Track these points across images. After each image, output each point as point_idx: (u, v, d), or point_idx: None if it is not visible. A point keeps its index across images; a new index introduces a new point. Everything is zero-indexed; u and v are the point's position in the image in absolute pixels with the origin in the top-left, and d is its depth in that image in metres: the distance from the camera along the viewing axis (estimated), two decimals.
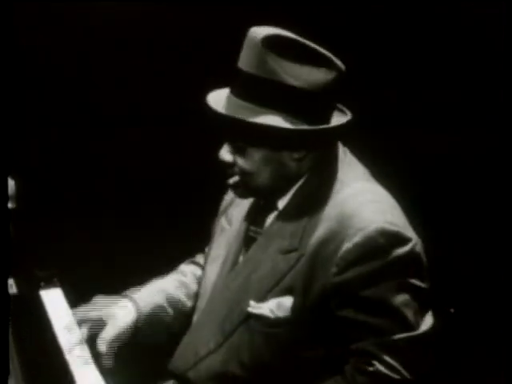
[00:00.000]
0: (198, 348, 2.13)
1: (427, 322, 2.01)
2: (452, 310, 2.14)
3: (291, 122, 1.98)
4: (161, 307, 2.25)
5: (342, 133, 2.07)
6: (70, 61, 3.48)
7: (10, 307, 1.80)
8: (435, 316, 2.06)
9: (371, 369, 1.95)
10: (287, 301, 2.01)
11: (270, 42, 1.97)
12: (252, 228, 2.17)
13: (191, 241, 2.48)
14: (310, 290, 1.99)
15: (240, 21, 2.13)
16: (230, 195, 2.34)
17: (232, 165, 2.07)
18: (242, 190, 2.11)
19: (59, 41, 3.46)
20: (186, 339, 2.21)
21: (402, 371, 1.95)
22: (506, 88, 3.07)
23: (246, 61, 2.00)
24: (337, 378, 2.00)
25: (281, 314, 2.01)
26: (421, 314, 2.00)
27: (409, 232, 1.99)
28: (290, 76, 1.97)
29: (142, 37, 3.51)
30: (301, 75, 1.97)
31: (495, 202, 3.36)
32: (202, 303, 2.23)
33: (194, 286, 2.35)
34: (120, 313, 2.18)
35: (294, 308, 2.01)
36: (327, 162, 2.08)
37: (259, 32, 1.99)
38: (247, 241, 2.17)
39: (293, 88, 1.97)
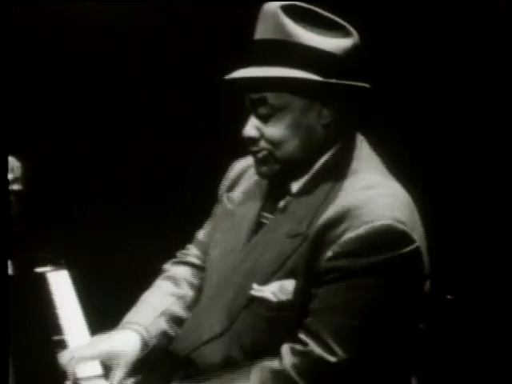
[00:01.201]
0: (202, 332, 2.10)
1: (403, 322, 1.93)
2: (449, 297, 2.10)
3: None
4: (164, 333, 2.20)
5: (356, 98, 2.02)
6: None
7: (10, 307, 1.81)
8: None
9: (303, 349, 1.90)
10: (289, 284, 1.98)
11: (287, 10, 1.98)
12: (264, 214, 2.14)
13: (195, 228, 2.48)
14: (311, 274, 1.95)
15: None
16: (229, 178, 2.32)
17: (258, 139, 2.03)
18: (269, 166, 2.04)
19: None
20: (189, 322, 2.19)
21: (338, 354, 1.87)
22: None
23: (263, 30, 2.00)
24: (267, 361, 1.94)
25: (283, 297, 1.98)
26: (400, 314, 1.92)
27: (414, 233, 1.92)
28: (309, 39, 1.96)
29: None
30: (318, 39, 1.97)
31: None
32: (207, 287, 2.22)
33: (190, 295, 2.30)
34: (128, 349, 2.11)
35: (296, 291, 1.97)
36: (344, 149, 2.05)
37: (275, 3, 2.00)
38: (258, 226, 2.13)
39: (313, 48, 1.96)
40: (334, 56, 1.97)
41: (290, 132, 1.99)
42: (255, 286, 2.01)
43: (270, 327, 2.00)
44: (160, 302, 2.24)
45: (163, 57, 3.55)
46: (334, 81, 1.96)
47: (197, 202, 2.38)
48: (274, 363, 1.94)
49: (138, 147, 3.60)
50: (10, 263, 2.18)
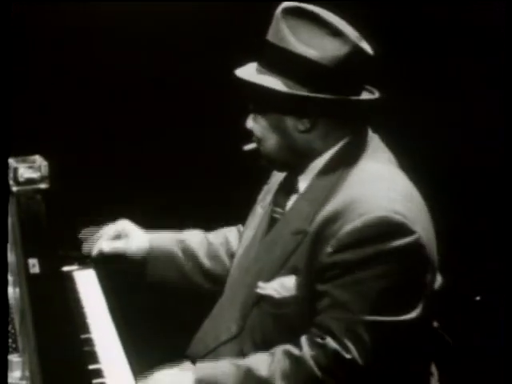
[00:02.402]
0: (219, 333, 2.15)
1: (410, 315, 1.94)
2: (478, 298, 2.09)
3: (291, 88, 2.01)
4: (171, 252, 2.37)
5: (346, 108, 2.04)
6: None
7: (8, 306, 1.82)
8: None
9: (321, 341, 1.93)
10: (289, 280, 2.02)
11: (287, 12, 2.03)
12: (275, 209, 2.18)
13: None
14: (311, 269, 2.00)
15: None
16: (266, 186, 2.35)
17: (253, 132, 2.12)
18: (260, 158, 2.13)
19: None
20: (206, 324, 2.25)
21: (352, 351, 1.90)
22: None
23: (269, 31, 2.07)
24: (288, 346, 1.98)
25: (286, 293, 2.02)
26: (404, 306, 1.94)
27: (415, 225, 1.94)
28: (300, 44, 2.00)
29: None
30: (311, 45, 2.00)
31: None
32: (225, 288, 2.27)
33: (220, 249, 2.41)
34: (134, 238, 2.37)
35: (299, 287, 2.02)
36: (348, 145, 2.07)
37: (283, 4, 2.06)
38: (271, 222, 2.18)
39: (298, 55, 2.00)
40: (318, 65, 1.99)
41: (267, 132, 2.07)
42: (260, 283, 2.07)
43: (277, 324, 2.05)
44: (187, 235, 2.41)
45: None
46: (301, 93, 1.99)
47: (234, 204, 2.41)
48: (294, 349, 1.97)
49: (165, 144, 3.61)
50: (37, 261, 2.19)
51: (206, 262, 2.39)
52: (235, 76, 2.05)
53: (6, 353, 1.82)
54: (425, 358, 2.11)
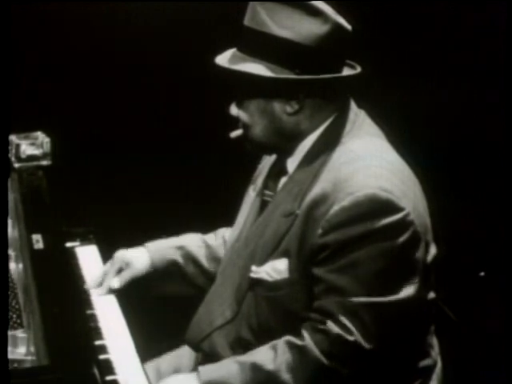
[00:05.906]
0: (213, 318, 2.15)
1: (407, 291, 1.94)
2: (482, 274, 2.09)
3: (276, 72, 1.99)
4: (175, 262, 2.35)
5: (331, 86, 2.03)
6: None
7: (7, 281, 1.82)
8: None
9: (322, 327, 1.92)
10: (281, 263, 2.02)
11: None
12: (266, 192, 2.18)
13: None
14: (303, 251, 2.00)
15: None
16: (258, 169, 2.34)
17: (238, 118, 2.09)
18: (246, 144, 2.11)
19: None
20: (200, 310, 2.23)
21: (355, 333, 1.90)
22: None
23: (246, 16, 2.05)
24: (290, 337, 1.97)
25: (278, 276, 2.02)
26: (400, 283, 1.94)
27: (403, 201, 1.94)
28: (281, 27, 1.98)
29: None
30: (291, 27, 1.98)
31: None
32: (218, 274, 2.26)
33: (219, 250, 2.37)
34: (138, 262, 2.34)
35: (290, 269, 2.02)
36: (334, 123, 2.06)
37: None
38: (262, 205, 2.18)
39: (280, 38, 1.99)
40: (303, 47, 1.98)
41: (255, 118, 2.05)
42: (253, 267, 2.06)
43: (271, 308, 2.05)
44: (185, 240, 2.38)
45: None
46: (290, 76, 1.98)
47: (235, 182, 2.41)
48: (296, 339, 1.96)
49: (173, 121, 3.61)
50: (40, 237, 2.19)
51: (207, 264, 2.36)
52: (216, 64, 2.04)
53: (6, 328, 1.81)
54: (425, 331, 2.12)
